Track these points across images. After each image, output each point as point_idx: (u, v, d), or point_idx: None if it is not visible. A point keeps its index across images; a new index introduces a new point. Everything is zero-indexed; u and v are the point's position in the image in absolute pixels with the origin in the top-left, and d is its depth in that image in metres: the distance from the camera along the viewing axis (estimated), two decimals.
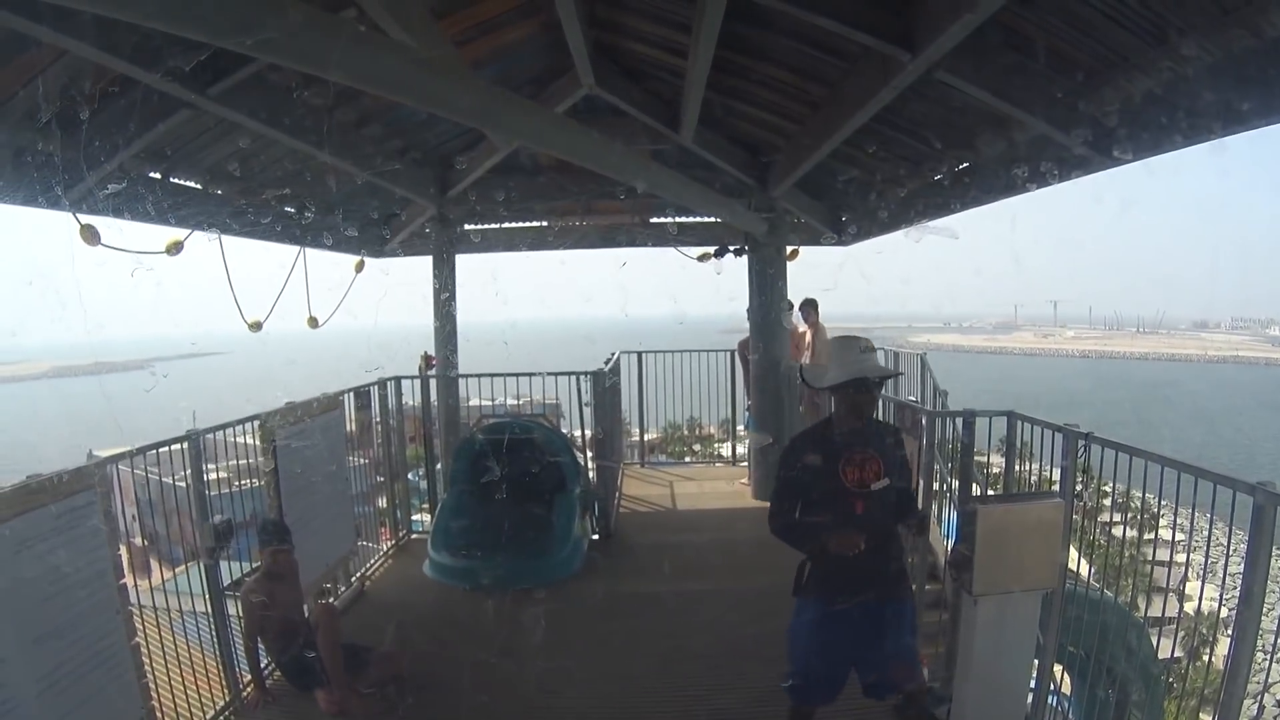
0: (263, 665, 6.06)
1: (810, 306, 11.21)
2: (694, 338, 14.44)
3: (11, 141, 5.38)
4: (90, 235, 6.07)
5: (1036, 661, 4.83)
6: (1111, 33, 4.86)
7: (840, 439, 4.40)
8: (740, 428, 13.16)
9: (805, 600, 4.61)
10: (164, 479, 5.83)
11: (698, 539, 9.47)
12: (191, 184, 7.42)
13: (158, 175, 6.97)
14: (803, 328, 11.36)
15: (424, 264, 11.22)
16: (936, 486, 6.76)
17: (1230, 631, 4.01)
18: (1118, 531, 6.82)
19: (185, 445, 5.66)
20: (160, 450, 5.53)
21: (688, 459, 18.08)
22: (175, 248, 7.09)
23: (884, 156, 8.53)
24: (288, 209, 8.99)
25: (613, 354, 11.41)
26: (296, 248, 9.22)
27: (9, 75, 4.90)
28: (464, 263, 11.23)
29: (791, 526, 4.48)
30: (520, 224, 11.65)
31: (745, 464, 12.62)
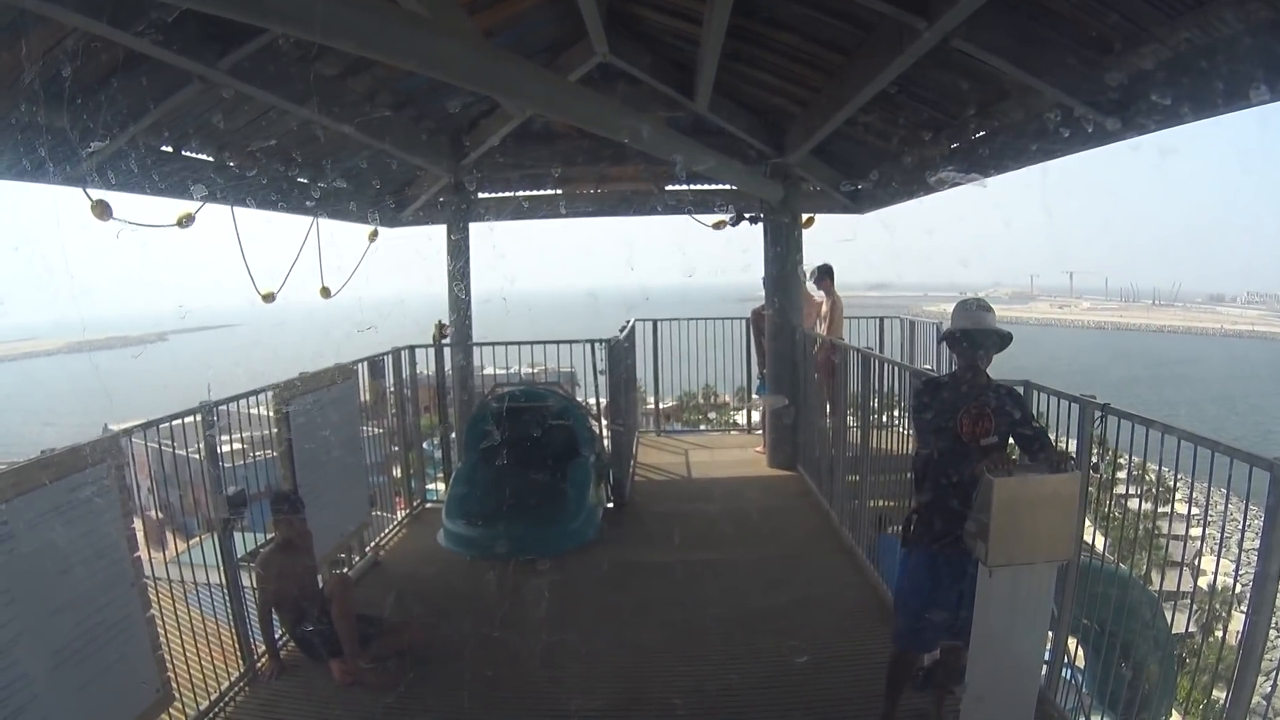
0: (277, 636, 6.09)
1: (825, 274, 11.12)
2: (709, 305, 14.40)
3: (22, 118, 5.35)
4: (102, 210, 6.06)
5: (1051, 634, 4.82)
6: (1129, 2, 4.79)
7: (959, 392, 4.62)
8: (755, 396, 13.14)
9: (911, 550, 4.82)
10: (178, 451, 5.84)
11: (712, 507, 9.46)
12: (203, 156, 7.38)
13: (169, 149, 6.94)
14: (819, 296, 11.29)
15: (432, 232, 11.23)
16: None
17: (1244, 608, 3.99)
18: (1132, 505, 6.79)
19: (199, 417, 5.67)
20: (174, 423, 5.54)
21: (703, 427, 18.05)
22: (186, 220, 7.08)
23: (900, 124, 8.45)
24: (300, 180, 8.96)
25: (628, 321, 11.39)
26: (309, 218, 9.19)
27: (18, 52, 4.87)
28: (478, 231, 11.21)
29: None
30: (534, 191, 11.59)
31: (760, 432, 12.61)
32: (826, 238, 12.25)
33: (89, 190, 6.06)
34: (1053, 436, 5.09)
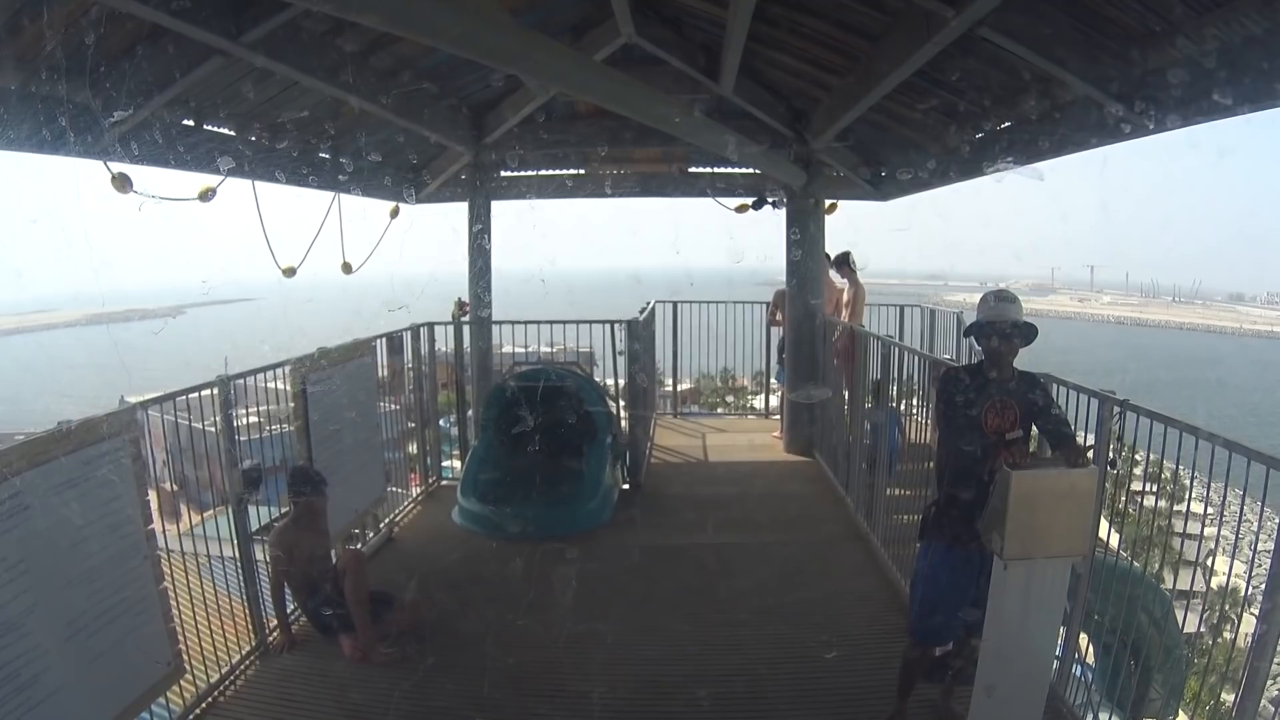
0: (289, 611, 6.13)
1: (845, 261, 11.05)
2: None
3: (43, 89, 5.36)
4: (122, 183, 6.07)
5: (1063, 629, 4.80)
6: None
7: (985, 385, 4.56)
8: (774, 381, 13.12)
9: (929, 544, 4.80)
10: (194, 424, 5.85)
11: (729, 491, 9.52)
12: (225, 131, 7.37)
13: (190, 123, 6.93)
14: (840, 282, 11.23)
15: (454, 209, 11.21)
16: None
17: (1255, 610, 3.96)
18: (1147, 502, 6.75)
19: (216, 391, 5.68)
20: (191, 396, 5.56)
21: (720, 410, 18.03)
22: (207, 194, 7.09)
23: (925, 112, 8.39)
24: (322, 155, 8.96)
25: (648, 303, 11.38)
26: (331, 194, 9.20)
27: (42, 26, 4.88)
28: (502, 207, 11.22)
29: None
30: (556, 171, 11.58)
31: (777, 417, 12.59)
32: (843, 224, 12.17)
33: (109, 163, 6.07)
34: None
